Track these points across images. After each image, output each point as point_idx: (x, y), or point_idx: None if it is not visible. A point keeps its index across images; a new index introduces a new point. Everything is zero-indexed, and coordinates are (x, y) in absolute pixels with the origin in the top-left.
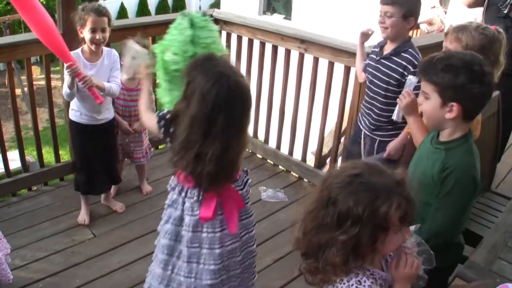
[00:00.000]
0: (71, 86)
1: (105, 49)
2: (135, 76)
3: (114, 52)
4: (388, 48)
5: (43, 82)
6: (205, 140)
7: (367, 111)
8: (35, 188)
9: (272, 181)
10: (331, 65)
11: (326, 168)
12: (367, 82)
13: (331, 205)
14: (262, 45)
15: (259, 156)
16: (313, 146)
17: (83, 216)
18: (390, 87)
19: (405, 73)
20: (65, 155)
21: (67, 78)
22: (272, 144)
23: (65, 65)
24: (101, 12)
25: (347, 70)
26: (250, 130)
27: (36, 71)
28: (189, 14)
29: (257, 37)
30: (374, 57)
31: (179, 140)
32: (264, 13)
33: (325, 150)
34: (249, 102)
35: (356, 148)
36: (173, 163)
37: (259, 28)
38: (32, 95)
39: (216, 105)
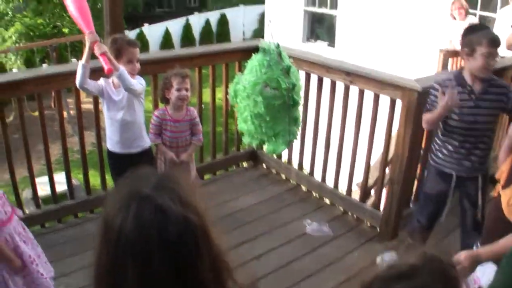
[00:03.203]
0: (86, 59)
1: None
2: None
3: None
4: (477, 83)
5: (89, 106)
6: None
7: (466, 155)
8: (80, 215)
9: (317, 214)
10: (376, 97)
11: (371, 200)
12: (465, 125)
13: None
14: (307, 76)
15: (304, 188)
16: (358, 178)
17: None
18: (494, 116)
19: (510, 94)
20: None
21: (82, 61)
22: (318, 176)
23: (87, 32)
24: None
25: (393, 102)
26: (295, 162)
27: (83, 94)
28: (269, 46)
29: (303, 68)
30: (467, 97)
31: None
32: (308, 40)
33: (370, 182)
34: (192, 248)
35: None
36: None
37: (305, 59)
38: (79, 119)
39: (121, 245)
